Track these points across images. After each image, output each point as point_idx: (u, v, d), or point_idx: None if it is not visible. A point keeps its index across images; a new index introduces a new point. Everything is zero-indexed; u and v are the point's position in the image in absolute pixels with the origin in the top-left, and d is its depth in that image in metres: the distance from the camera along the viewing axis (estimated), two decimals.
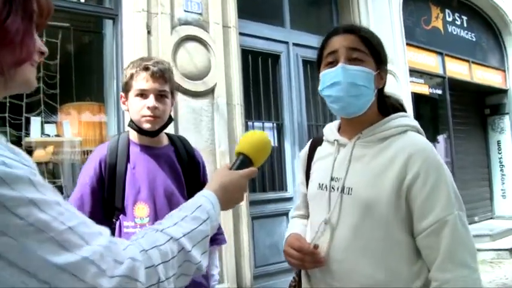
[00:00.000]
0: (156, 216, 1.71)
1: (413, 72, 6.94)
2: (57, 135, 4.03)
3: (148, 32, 3.86)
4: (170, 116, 1.82)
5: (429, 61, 7.54)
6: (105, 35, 4.20)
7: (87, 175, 1.73)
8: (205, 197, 1.00)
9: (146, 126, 1.74)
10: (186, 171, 1.88)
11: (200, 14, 4.22)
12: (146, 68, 1.73)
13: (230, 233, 4.08)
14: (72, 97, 4.13)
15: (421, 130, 1.40)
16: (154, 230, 0.85)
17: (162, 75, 1.74)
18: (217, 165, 4.15)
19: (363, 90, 1.33)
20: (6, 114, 3.85)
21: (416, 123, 1.40)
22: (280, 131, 5.26)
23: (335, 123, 1.52)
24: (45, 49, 0.81)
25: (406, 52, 6.60)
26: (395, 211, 1.24)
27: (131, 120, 1.80)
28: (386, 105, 1.44)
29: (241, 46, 4.72)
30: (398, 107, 1.46)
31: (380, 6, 6.17)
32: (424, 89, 7.44)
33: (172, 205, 1.72)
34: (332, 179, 1.37)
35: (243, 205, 4.30)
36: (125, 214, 1.74)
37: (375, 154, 1.33)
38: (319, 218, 1.36)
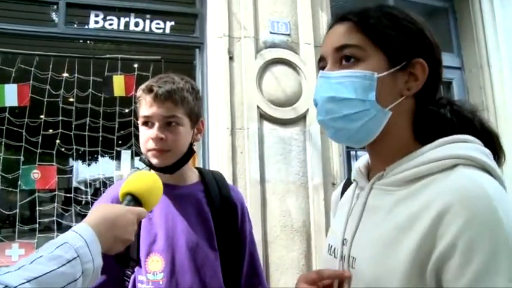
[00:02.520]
0: (173, 272, 1.41)
1: None
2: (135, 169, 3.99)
3: (231, 58, 3.68)
4: (190, 148, 1.52)
5: None
6: (196, 65, 4.13)
7: None
8: (75, 232, 0.83)
9: (154, 161, 1.46)
10: (217, 217, 1.54)
11: (288, 35, 3.96)
12: (150, 90, 1.45)
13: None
14: None
15: (489, 164, 0.84)
16: None
17: (169, 96, 1.43)
18: (310, 200, 3.76)
19: (355, 106, 0.88)
20: (99, 148, 3.97)
21: (477, 153, 0.84)
22: None
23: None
24: None
25: None
26: None
27: (142, 154, 1.54)
28: (440, 124, 0.93)
29: None
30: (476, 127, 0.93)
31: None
32: None
33: (196, 260, 1.43)
34: (344, 241, 0.95)
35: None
36: (140, 267, 1.43)
37: (392, 206, 0.87)
38: None
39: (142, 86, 1.49)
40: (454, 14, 5.31)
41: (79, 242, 0.79)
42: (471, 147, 0.86)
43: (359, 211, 0.94)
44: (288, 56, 3.93)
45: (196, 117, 1.53)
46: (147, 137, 1.45)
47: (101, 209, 0.94)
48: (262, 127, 3.74)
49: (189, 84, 1.51)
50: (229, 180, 3.37)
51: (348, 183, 1.14)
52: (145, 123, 1.47)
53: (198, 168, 1.65)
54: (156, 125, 1.43)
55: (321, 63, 0.96)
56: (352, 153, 4.49)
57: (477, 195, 0.75)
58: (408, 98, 0.91)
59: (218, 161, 3.56)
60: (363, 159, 1.08)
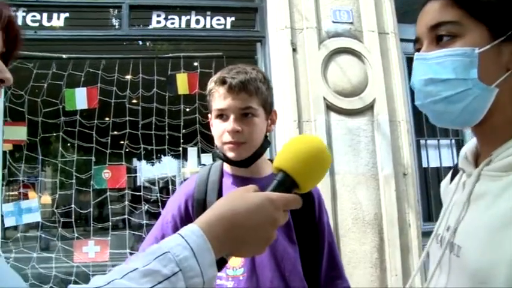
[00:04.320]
0: (253, 267, 1.41)
1: None
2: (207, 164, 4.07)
3: (294, 50, 3.68)
4: (266, 139, 1.50)
5: None
6: (258, 59, 4.15)
7: (170, 213, 1.47)
8: (181, 237, 0.66)
9: (230, 155, 1.43)
10: (295, 209, 1.50)
11: (351, 23, 3.90)
12: (223, 82, 1.41)
13: (398, 273, 3.51)
14: None
15: None
16: None
17: (244, 87, 1.39)
18: (380, 192, 3.69)
19: (456, 86, 0.82)
20: (166, 146, 4.05)
21: None
22: (460, 149, 4.45)
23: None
24: (6, 76, 0.70)
25: None
26: None
27: (217, 148, 1.53)
28: None
29: (405, 53, 4.19)
30: None
31: None
32: None
33: (276, 254, 1.42)
34: (447, 229, 0.92)
35: (414, 237, 3.67)
36: None
37: (500, 192, 0.80)
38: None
39: (214, 78, 1.45)
40: None
41: (183, 251, 0.64)
42: None
43: (465, 199, 0.88)
44: (352, 44, 3.88)
45: (270, 108, 1.50)
46: (222, 130, 1.42)
47: (223, 201, 0.75)
48: (329, 118, 3.73)
49: (260, 73, 1.48)
50: None
51: (456, 171, 1.08)
52: (219, 116, 1.44)
53: (271, 160, 1.61)
54: (232, 117, 1.40)
55: (417, 45, 0.92)
56: (422, 142, 4.38)
57: None
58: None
59: None
60: (470, 144, 1.01)
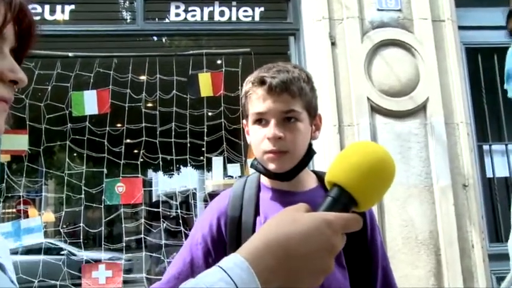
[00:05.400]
0: None
1: None
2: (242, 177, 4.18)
3: (333, 44, 3.77)
4: (310, 148, 1.53)
5: None
6: (291, 55, 4.26)
7: (200, 233, 1.53)
8: (223, 271, 0.64)
9: (271, 166, 1.46)
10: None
11: (399, 10, 3.97)
12: (262, 82, 1.42)
13: None
14: None
15: None
16: None
17: (286, 88, 1.41)
18: (436, 206, 3.73)
19: None
20: (187, 156, 4.20)
21: None
22: None
23: None
24: (19, 76, 0.70)
25: None
26: None
27: (255, 158, 1.57)
28: None
29: (464, 43, 4.23)
30: None
31: None
32: None
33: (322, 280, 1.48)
34: None
35: (479, 260, 3.70)
36: None
37: None
38: None
39: (251, 78, 1.47)
40: None
41: None
42: None
43: None
44: (401, 35, 3.93)
45: (314, 112, 1.51)
46: (261, 136, 1.43)
47: (271, 224, 0.72)
48: (374, 122, 3.79)
49: (304, 73, 1.49)
50: None
51: None
52: (258, 121, 1.46)
53: (314, 171, 1.65)
54: (272, 122, 1.42)
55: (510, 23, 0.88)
56: (485, 147, 4.37)
57: None
58: None
59: (325, 164, 3.65)
60: None
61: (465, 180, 3.86)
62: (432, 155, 3.83)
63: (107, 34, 4.28)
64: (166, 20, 4.23)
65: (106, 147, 4.68)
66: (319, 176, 1.62)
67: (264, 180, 1.58)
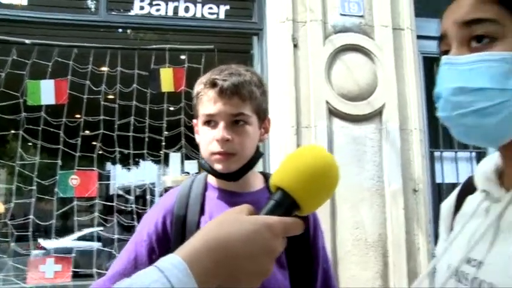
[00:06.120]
0: None
1: None
2: (199, 174, 4.20)
3: (295, 46, 3.84)
4: (257, 150, 1.58)
5: None
6: (254, 54, 4.31)
7: (145, 230, 1.54)
8: (160, 271, 0.63)
9: (217, 167, 1.49)
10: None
11: (362, 16, 4.07)
12: (213, 84, 1.46)
13: None
14: None
15: None
16: None
17: (236, 91, 1.45)
18: (386, 210, 3.85)
19: (491, 97, 0.82)
20: (145, 151, 4.19)
21: None
22: None
23: (497, 157, 1.00)
24: None
25: None
26: None
27: (202, 158, 1.59)
28: None
29: (421, 52, 4.38)
30: None
31: None
32: None
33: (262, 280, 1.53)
34: (468, 260, 0.92)
35: (424, 262, 3.83)
36: None
37: None
38: None
39: (203, 80, 1.50)
40: None
41: None
42: None
43: (493, 227, 0.88)
44: (362, 41, 4.03)
45: (263, 115, 1.55)
46: (210, 138, 1.46)
47: (212, 226, 0.73)
48: (331, 125, 3.88)
49: (255, 76, 1.53)
50: None
51: (465, 190, 1.10)
52: (207, 123, 1.49)
53: (262, 173, 1.70)
54: (221, 124, 1.45)
55: (442, 45, 0.93)
56: (437, 154, 4.53)
57: None
58: None
59: None
60: (487, 162, 1.00)
61: (416, 185, 3.99)
62: (386, 160, 3.94)
63: (68, 23, 4.20)
64: (130, 13, 4.20)
65: (62, 139, 4.60)
66: (267, 177, 1.67)
67: (211, 180, 1.61)
